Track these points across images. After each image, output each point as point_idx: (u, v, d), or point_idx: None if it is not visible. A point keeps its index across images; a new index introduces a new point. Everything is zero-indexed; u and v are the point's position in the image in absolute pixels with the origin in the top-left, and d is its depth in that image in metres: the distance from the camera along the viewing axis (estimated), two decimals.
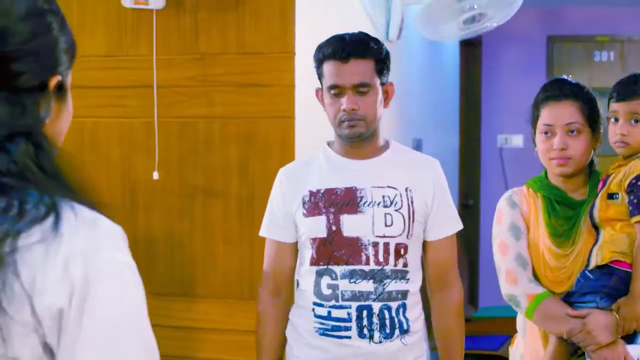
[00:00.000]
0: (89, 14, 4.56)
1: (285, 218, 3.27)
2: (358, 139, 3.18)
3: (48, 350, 1.29)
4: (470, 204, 9.16)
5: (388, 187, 3.17)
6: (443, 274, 3.31)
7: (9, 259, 1.26)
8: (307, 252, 3.22)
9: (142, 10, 4.42)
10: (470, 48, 8.96)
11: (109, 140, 4.58)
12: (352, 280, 3.11)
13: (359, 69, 3.11)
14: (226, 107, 4.39)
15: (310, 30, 4.36)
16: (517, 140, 9.14)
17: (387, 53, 3.22)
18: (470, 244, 8.96)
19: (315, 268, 3.18)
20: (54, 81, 1.45)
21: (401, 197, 3.16)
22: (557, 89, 3.25)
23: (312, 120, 4.20)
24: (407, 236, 3.16)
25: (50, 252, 1.29)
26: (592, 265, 3.06)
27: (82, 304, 1.30)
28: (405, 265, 3.16)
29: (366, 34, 3.22)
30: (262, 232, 3.37)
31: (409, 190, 3.18)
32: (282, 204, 3.29)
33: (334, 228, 3.14)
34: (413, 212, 3.17)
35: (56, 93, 1.45)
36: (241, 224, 4.37)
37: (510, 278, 3.21)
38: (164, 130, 4.46)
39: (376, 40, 3.20)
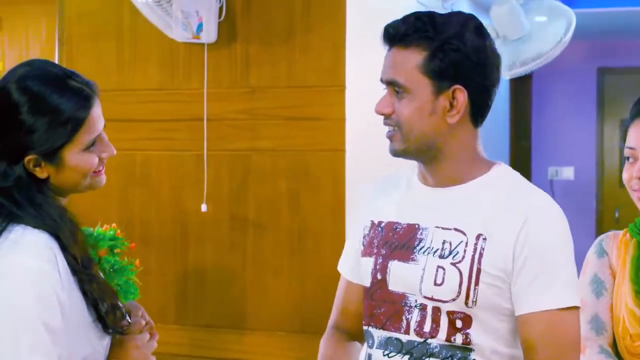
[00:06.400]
0: (141, 48, 4.60)
1: (356, 252, 2.37)
2: (402, 156, 2.23)
3: None
4: None
5: (455, 229, 2.16)
6: None
7: None
8: None
9: (194, 44, 4.46)
10: (520, 81, 8.91)
11: (160, 172, 4.61)
12: (385, 352, 2.20)
13: (395, 61, 2.17)
14: (276, 140, 4.40)
15: (361, 63, 4.36)
16: (568, 173, 9.06)
17: (459, 45, 2.12)
18: None
19: (365, 328, 2.30)
20: (27, 158, 2.04)
21: (466, 246, 2.13)
22: None
23: (363, 153, 4.19)
24: (467, 303, 2.12)
25: None
26: None
27: None
28: (466, 342, 2.13)
29: (454, 14, 2.20)
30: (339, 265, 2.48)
31: (481, 238, 2.13)
32: (352, 234, 2.42)
33: (379, 277, 2.23)
34: (478, 270, 2.11)
35: (47, 161, 2.04)
36: (292, 257, 4.37)
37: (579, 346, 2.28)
38: (214, 163, 4.48)
39: (444, 23, 2.14)
